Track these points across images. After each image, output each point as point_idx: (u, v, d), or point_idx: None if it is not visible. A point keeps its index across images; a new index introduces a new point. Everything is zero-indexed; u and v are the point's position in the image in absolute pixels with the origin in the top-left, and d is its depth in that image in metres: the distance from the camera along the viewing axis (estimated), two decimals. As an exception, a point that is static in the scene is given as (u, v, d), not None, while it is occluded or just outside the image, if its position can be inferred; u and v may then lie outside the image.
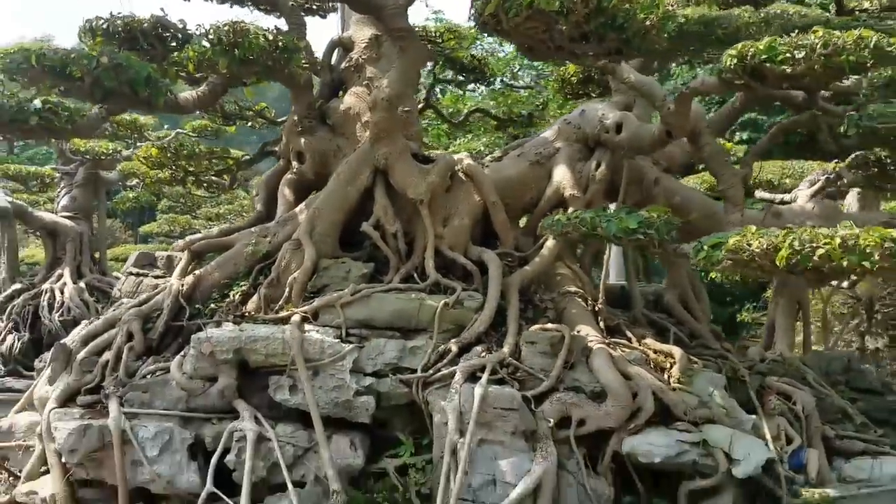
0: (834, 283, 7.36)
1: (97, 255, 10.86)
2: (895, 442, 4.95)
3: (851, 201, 6.57)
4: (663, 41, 3.64)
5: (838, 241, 2.71)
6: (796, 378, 5.09)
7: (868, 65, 3.37)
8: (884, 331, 8.07)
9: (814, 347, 7.38)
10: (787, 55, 3.41)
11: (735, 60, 3.54)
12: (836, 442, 4.71)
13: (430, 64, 6.54)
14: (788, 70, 3.41)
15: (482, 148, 8.91)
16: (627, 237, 3.52)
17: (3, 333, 10.49)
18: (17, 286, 10.29)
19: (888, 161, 4.94)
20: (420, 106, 6.22)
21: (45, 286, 10.22)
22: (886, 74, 4.84)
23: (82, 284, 10.18)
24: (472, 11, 3.57)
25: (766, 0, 5.46)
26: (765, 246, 2.86)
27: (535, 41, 3.62)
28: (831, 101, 4.94)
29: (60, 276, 10.57)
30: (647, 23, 3.43)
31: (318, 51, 5.50)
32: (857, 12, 5.45)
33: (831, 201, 5.39)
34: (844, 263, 2.75)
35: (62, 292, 10.12)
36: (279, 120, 6.31)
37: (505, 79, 10.84)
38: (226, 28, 4.09)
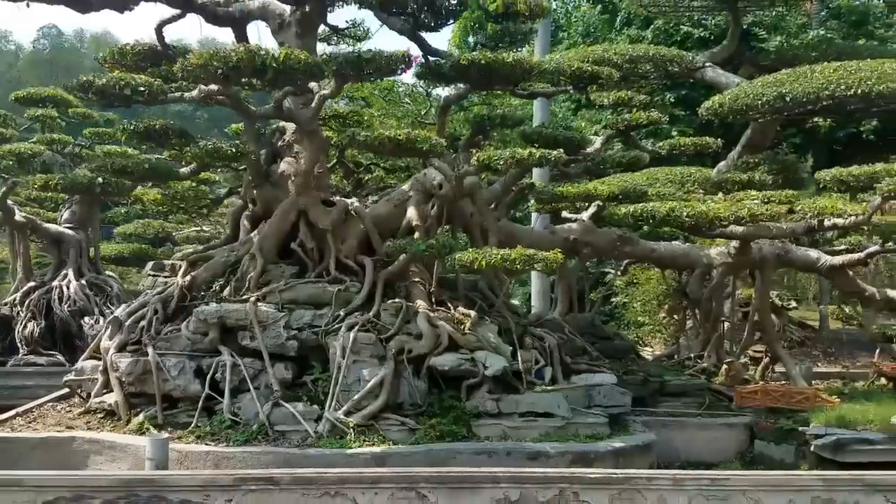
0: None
1: (93, 257, 13.49)
2: (613, 368, 8.18)
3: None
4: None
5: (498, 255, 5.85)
6: (557, 329, 8.24)
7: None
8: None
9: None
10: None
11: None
12: (571, 365, 7.89)
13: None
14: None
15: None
16: (423, 252, 6.62)
17: (24, 321, 12.88)
18: (32, 284, 12.91)
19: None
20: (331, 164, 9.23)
21: (55, 283, 12.85)
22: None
23: (83, 282, 12.81)
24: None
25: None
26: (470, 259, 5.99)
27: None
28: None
29: (66, 275, 13.03)
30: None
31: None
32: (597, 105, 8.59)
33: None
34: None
35: (68, 288, 12.73)
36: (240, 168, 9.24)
37: None
38: (209, 145, 7.01)
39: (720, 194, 8.58)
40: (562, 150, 6.90)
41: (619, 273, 11.88)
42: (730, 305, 8.99)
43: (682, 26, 19.29)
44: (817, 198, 7.80)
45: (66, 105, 14.57)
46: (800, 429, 7.03)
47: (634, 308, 13.18)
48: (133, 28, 43.79)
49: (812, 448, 6.87)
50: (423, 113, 14.41)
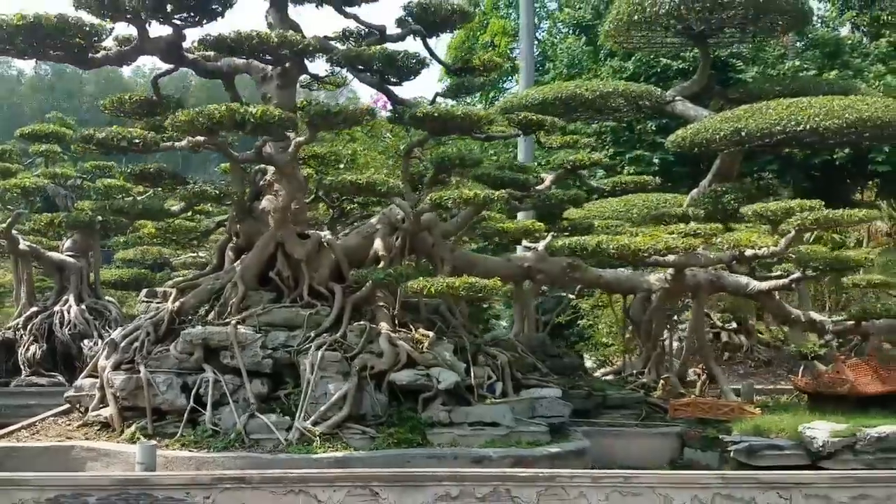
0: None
1: (93, 283, 14.32)
2: (561, 383, 9.00)
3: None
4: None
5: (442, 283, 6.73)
6: (510, 348, 9.07)
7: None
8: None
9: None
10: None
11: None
12: (522, 381, 8.71)
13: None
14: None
15: None
16: (383, 280, 7.49)
17: (27, 344, 13.61)
18: (35, 308, 13.65)
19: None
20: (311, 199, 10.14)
21: (56, 308, 13.51)
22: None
23: (83, 307, 13.50)
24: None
25: None
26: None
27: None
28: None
29: (67, 301, 13.74)
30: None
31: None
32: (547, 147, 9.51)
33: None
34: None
35: (69, 313, 13.42)
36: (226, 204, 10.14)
37: None
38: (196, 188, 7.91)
39: (662, 226, 9.49)
40: (504, 191, 7.82)
41: (575, 297, 12.74)
42: (669, 326, 9.85)
43: (661, 59, 19.82)
44: (736, 231, 8.70)
45: (67, 139, 15.49)
46: (721, 437, 7.85)
47: (600, 330, 14.03)
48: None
49: (732, 454, 7.69)
50: (401, 147, 15.38)
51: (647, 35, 16.08)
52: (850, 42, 31.74)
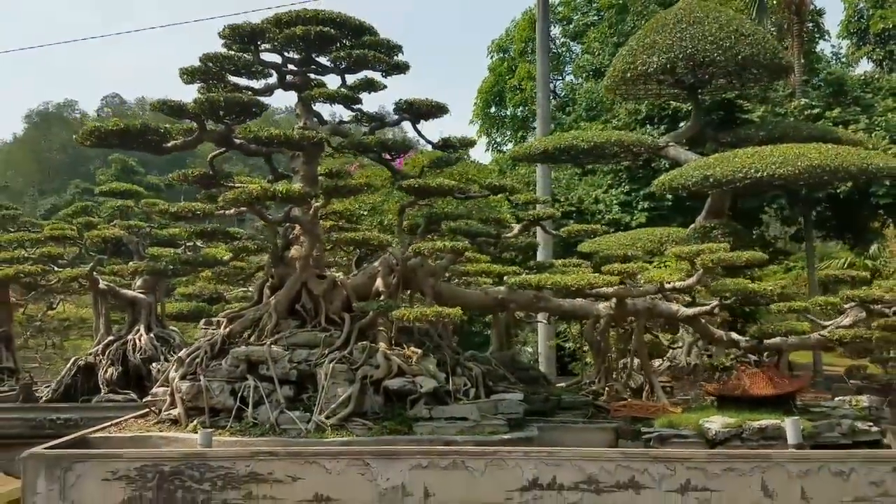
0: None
1: (160, 315, 16.98)
2: (525, 390, 11.15)
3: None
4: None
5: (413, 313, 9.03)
6: (485, 363, 11.24)
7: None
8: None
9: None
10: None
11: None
12: (493, 388, 10.86)
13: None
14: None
15: None
16: (377, 310, 9.86)
17: (105, 367, 15.96)
18: (111, 337, 16.15)
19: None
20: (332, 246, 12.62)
21: (129, 337, 15.99)
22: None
23: (152, 335, 16.02)
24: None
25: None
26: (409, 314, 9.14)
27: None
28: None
29: (138, 330, 16.07)
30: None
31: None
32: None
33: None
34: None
35: (140, 340, 15.88)
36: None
37: None
38: (240, 244, 10.45)
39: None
40: (467, 241, 10.16)
41: (547, 322, 14.89)
42: (613, 346, 11.92)
43: (671, 102, 20.91)
44: (655, 269, 10.77)
45: (139, 196, 18.36)
46: (643, 429, 9.92)
47: (584, 352, 16.11)
48: (189, 95, 48.73)
49: (651, 442, 9.75)
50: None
51: (642, 88, 18.01)
52: (862, 78, 32.88)
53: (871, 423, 9.92)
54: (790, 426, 8.91)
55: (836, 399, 10.72)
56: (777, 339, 10.90)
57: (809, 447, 9.02)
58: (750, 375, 9.98)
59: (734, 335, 11.19)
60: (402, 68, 11.12)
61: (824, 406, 10.39)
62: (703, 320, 11.30)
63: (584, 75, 38.53)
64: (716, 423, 9.39)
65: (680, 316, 11.26)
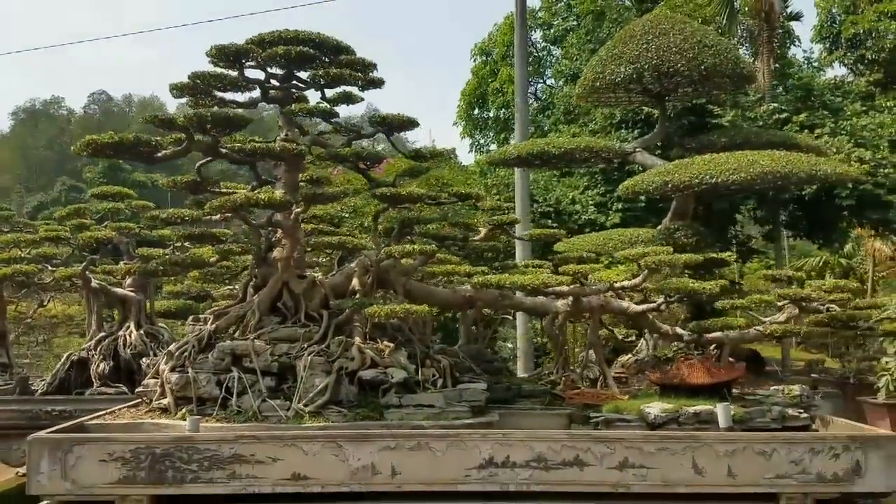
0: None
1: (149, 312, 17.75)
2: (489, 380, 12.10)
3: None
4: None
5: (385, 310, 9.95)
6: (452, 355, 12.16)
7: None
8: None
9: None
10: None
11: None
12: (459, 378, 11.79)
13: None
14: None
15: None
16: (351, 307, 10.76)
17: (97, 362, 16.59)
18: (103, 333, 16.79)
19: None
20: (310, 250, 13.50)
21: (120, 333, 16.61)
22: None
23: (142, 332, 16.70)
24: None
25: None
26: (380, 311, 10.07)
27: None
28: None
29: (128, 327, 16.73)
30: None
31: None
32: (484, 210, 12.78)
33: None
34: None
35: (130, 336, 16.55)
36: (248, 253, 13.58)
37: None
38: (226, 247, 11.32)
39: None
40: (435, 245, 11.07)
41: (513, 318, 15.87)
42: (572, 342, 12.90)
43: (644, 107, 21.73)
44: (604, 270, 11.75)
45: (129, 198, 19.08)
46: (590, 414, 10.89)
47: (547, 347, 17.09)
48: (175, 93, 49.27)
49: (598, 426, 10.72)
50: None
51: (612, 96, 18.85)
52: (832, 82, 33.93)
53: (802, 410, 10.89)
54: (721, 411, 9.90)
55: (771, 388, 11.73)
56: (718, 334, 11.89)
57: (740, 430, 10.00)
58: (689, 366, 10.96)
59: (679, 329, 12.17)
60: (377, 84, 12.00)
61: (759, 394, 11.37)
62: (650, 316, 12.28)
63: (562, 79, 39.44)
64: (655, 408, 10.37)
65: (630, 312, 12.24)
